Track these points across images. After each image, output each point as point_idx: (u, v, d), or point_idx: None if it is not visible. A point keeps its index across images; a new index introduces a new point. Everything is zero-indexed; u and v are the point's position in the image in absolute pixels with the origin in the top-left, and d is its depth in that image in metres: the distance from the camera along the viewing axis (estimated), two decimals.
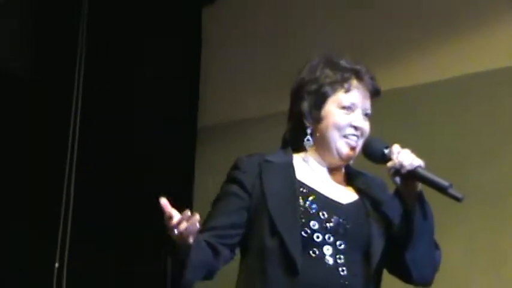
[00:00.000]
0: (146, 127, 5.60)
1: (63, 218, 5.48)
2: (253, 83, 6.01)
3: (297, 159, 2.80)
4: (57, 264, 5.37)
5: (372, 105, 2.81)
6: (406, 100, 5.38)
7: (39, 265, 5.40)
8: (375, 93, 2.80)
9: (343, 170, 2.86)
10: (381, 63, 5.33)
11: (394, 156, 2.62)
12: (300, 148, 2.81)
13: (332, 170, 2.82)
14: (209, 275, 2.65)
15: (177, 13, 6.43)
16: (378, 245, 2.69)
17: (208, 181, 5.29)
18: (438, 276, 4.70)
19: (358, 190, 2.81)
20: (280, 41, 5.65)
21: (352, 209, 2.73)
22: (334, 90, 2.74)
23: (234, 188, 2.69)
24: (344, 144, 2.72)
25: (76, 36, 5.88)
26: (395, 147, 2.65)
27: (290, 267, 2.56)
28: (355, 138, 2.72)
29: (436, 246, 2.74)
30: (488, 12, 5.40)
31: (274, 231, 2.60)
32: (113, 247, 5.75)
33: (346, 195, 2.78)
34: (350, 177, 2.85)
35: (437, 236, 4.33)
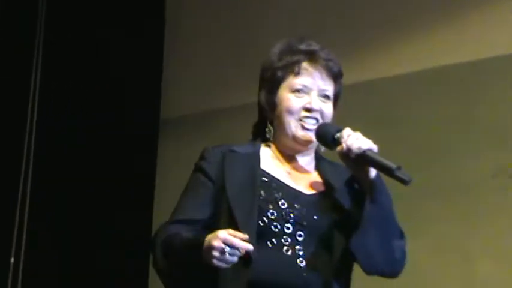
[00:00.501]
0: (107, 121, 5.46)
1: (19, 213, 5.38)
2: (219, 74, 5.89)
3: (265, 149, 2.77)
4: (12, 259, 5.29)
5: (337, 86, 2.76)
6: (370, 94, 5.32)
7: None
8: (335, 75, 2.75)
9: (311, 159, 2.81)
10: (346, 57, 5.38)
11: (343, 140, 2.58)
12: (270, 140, 2.80)
13: (298, 159, 2.79)
14: None
15: (139, 3, 6.32)
16: (339, 238, 2.64)
17: (170, 174, 5.22)
18: (406, 276, 4.80)
19: (325, 180, 2.75)
20: (245, 31, 5.57)
21: (316, 200, 2.68)
22: (286, 75, 2.72)
23: (201, 177, 2.66)
24: (299, 128, 2.68)
25: (34, 30, 5.74)
26: (346, 131, 2.60)
27: (244, 256, 2.47)
28: (312, 121, 2.69)
29: (400, 236, 2.69)
30: (453, 6, 5.32)
31: (231, 221, 2.56)
32: (70, 243, 5.62)
33: (311, 186, 2.73)
34: (319, 167, 2.79)
35: (407, 238, 4.41)
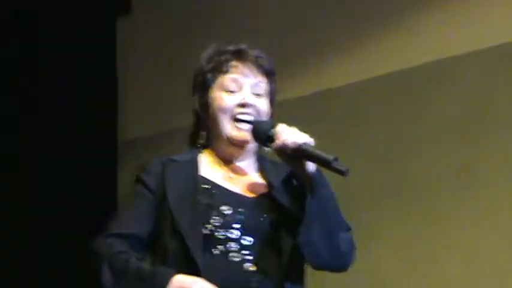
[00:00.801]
0: (65, 148, 5.42)
1: None
2: (173, 93, 5.68)
3: (204, 155, 2.75)
4: None
5: (272, 83, 2.77)
6: (330, 101, 5.30)
7: None
8: (266, 71, 2.75)
9: (252, 161, 2.80)
10: (312, 63, 5.44)
11: (278, 136, 2.57)
12: (208, 145, 2.79)
13: (238, 162, 2.77)
14: None
15: (91, 25, 6.21)
16: (286, 238, 2.63)
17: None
18: (371, 276, 4.62)
19: (267, 181, 2.75)
20: (197, 51, 5.58)
21: (259, 202, 2.67)
22: (216, 75, 2.72)
23: (141, 189, 2.65)
24: (233, 127, 2.68)
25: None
26: (280, 127, 2.59)
27: (192, 267, 2.49)
28: (247, 117, 2.70)
29: (346, 228, 2.68)
30: (409, 9, 5.29)
31: (175, 231, 2.55)
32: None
33: (253, 188, 2.72)
34: (261, 168, 2.79)
35: (371, 239, 4.39)
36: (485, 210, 4.61)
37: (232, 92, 2.70)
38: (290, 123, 2.69)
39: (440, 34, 5.07)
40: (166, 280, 2.44)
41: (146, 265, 2.54)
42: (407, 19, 5.32)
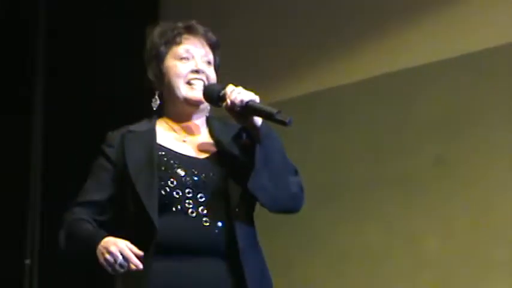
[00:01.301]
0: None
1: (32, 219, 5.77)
2: None
3: (160, 124, 2.95)
4: (28, 261, 5.73)
5: (216, 54, 2.99)
6: (328, 101, 5.63)
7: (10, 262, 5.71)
8: (212, 44, 2.97)
9: (201, 123, 2.99)
10: (302, 66, 5.81)
11: (227, 96, 2.77)
12: (164, 115, 2.99)
13: (190, 125, 2.97)
14: None
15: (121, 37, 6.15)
16: (235, 190, 2.82)
17: None
18: (360, 256, 5.06)
19: (217, 141, 2.95)
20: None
21: (210, 162, 2.86)
22: (169, 47, 2.94)
23: (102, 160, 2.85)
24: (188, 88, 2.88)
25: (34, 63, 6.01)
26: (229, 88, 2.80)
27: (149, 225, 2.69)
28: (199, 82, 2.89)
29: (295, 173, 2.88)
30: (401, 12, 5.59)
31: (135, 195, 2.73)
32: None
33: (204, 150, 2.92)
34: (212, 130, 2.98)
35: (360, 219, 4.98)
36: (457, 195, 4.96)
37: (185, 59, 2.90)
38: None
39: (422, 40, 5.41)
40: (99, 240, 2.60)
41: (92, 229, 2.71)
42: (395, 24, 5.60)
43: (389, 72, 5.47)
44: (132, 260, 2.53)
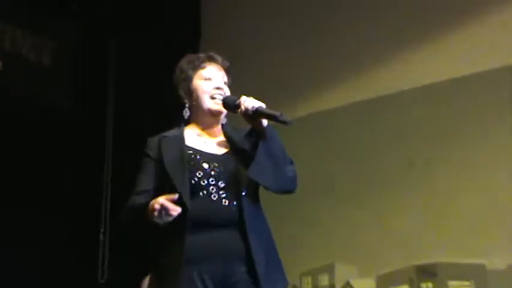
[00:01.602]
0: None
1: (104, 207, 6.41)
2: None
3: (187, 131, 3.32)
4: (102, 235, 6.33)
5: (229, 77, 3.38)
6: (322, 122, 6.26)
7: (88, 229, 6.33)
8: (226, 69, 3.38)
9: (219, 129, 3.35)
10: (300, 90, 6.41)
11: (241, 104, 3.15)
12: (191, 122, 3.35)
13: (210, 132, 3.33)
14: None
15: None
16: (244, 178, 3.16)
17: None
18: (350, 237, 5.60)
19: (231, 141, 3.29)
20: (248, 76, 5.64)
21: (226, 157, 3.24)
22: (195, 71, 3.33)
23: (146, 160, 3.25)
24: (212, 102, 3.28)
25: (106, 80, 6.74)
26: (242, 98, 3.20)
27: (182, 206, 2.98)
28: (220, 96, 3.29)
29: (290, 163, 3.23)
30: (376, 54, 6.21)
31: (172, 185, 3.09)
32: None
33: (221, 148, 3.28)
34: (226, 133, 3.33)
35: (354, 209, 5.52)
36: (423, 189, 5.65)
37: (209, 79, 3.30)
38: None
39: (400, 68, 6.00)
40: (148, 205, 2.98)
41: (143, 204, 3.03)
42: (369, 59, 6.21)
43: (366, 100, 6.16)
44: (170, 209, 2.87)
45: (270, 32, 6.87)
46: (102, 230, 6.36)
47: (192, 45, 6.86)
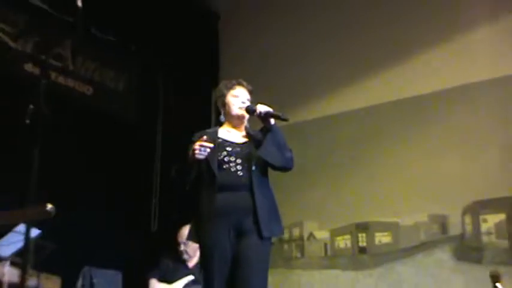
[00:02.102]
0: None
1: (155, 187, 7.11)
2: None
3: (221, 129, 3.90)
4: (154, 201, 7.14)
5: (251, 95, 3.99)
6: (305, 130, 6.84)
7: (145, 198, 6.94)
8: (249, 91, 3.95)
9: (243, 129, 3.92)
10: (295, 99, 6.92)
11: (257, 109, 3.78)
12: (224, 124, 3.96)
13: (236, 129, 3.93)
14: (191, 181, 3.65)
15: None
16: (255, 158, 3.76)
17: None
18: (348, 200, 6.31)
19: (249, 136, 3.88)
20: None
21: (244, 145, 3.80)
22: (228, 91, 3.94)
23: (191, 145, 3.68)
24: (238, 109, 3.91)
25: (158, 102, 7.55)
26: (258, 106, 3.77)
27: (213, 175, 3.63)
28: (243, 105, 3.89)
29: (290, 150, 3.81)
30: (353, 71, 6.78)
31: (207, 161, 3.63)
32: None
33: (242, 139, 3.86)
34: (247, 132, 3.93)
35: (316, 187, 6.45)
36: (363, 173, 6.63)
37: (237, 97, 3.93)
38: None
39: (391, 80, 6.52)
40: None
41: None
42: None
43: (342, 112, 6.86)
44: (206, 145, 3.48)
45: (276, 61, 7.25)
46: (154, 199, 7.24)
47: (213, 76, 7.68)
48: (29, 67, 6.16)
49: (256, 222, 3.63)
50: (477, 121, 5.92)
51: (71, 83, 6.54)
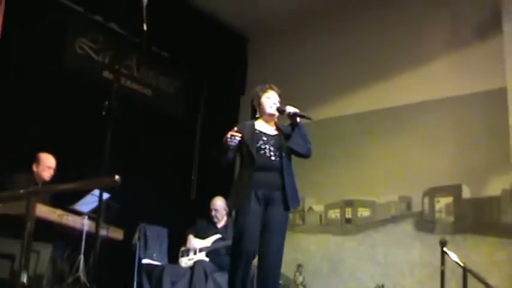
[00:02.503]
0: None
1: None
2: None
3: (257, 121, 3.90)
4: (193, 177, 7.40)
5: (280, 98, 3.95)
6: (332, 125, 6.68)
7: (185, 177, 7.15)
8: (279, 94, 3.95)
9: (274, 124, 3.92)
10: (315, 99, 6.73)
11: (287, 109, 3.81)
12: (258, 118, 3.94)
13: (269, 124, 3.92)
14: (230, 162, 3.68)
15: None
16: (284, 147, 3.77)
17: None
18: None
19: (279, 130, 3.87)
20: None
21: (275, 136, 3.84)
22: (263, 93, 3.93)
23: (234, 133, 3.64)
24: (270, 109, 3.89)
25: (199, 103, 7.74)
26: (287, 106, 3.81)
27: (252, 158, 3.66)
28: (274, 106, 3.88)
29: (309, 142, 3.79)
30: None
31: (247, 146, 3.70)
32: None
33: (274, 131, 3.88)
34: (277, 126, 3.93)
35: (315, 171, 6.18)
36: (355, 160, 6.58)
37: (269, 98, 3.92)
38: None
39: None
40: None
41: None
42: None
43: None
44: (235, 135, 3.58)
45: (291, 73, 7.12)
46: (193, 175, 7.47)
47: (241, 85, 7.70)
48: (105, 74, 6.53)
49: (284, 196, 3.69)
50: (435, 127, 6.13)
51: (135, 86, 6.86)
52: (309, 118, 3.73)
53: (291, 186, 3.73)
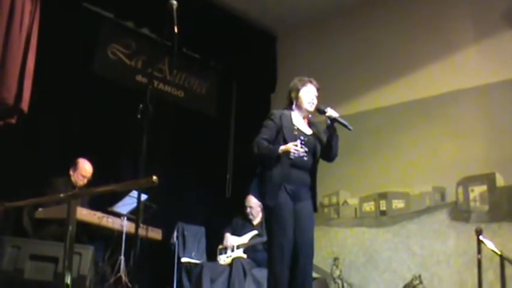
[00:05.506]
0: None
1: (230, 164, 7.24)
2: None
3: (294, 113, 3.83)
4: (228, 176, 7.29)
5: (319, 93, 3.85)
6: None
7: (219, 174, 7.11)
8: (318, 89, 3.84)
9: (307, 120, 3.87)
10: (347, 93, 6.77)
11: (327, 111, 3.70)
12: (294, 110, 3.86)
13: (304, 119, 3.84)
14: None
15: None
16: (318, 148, 3.79)
17: None
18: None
19: (313, 128, 3.80)
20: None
21: (311, 135, 3.75)
22: (302, 86, 3.82)
23: (270, 122, 3.76)
24: (308, 105, 3.79)
25: (231, 102, 7.66)
26: (328, 108, 3.73)
27: (289, 157, 3.65)
28: (312, 102, 3.78)
29: (338, 149, 3.79)
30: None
31: (285, 140, 3.67)
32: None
33: (309, 130, 3.80)
34: (310, 123, 3.83)
35: (348, 164, 6.23)
36: (388, 155, 6.46)
37: (308, 92, 3.80)
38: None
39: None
40: (277, 148, 3.60)
41: (270, 145, 3.63)
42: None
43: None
44: (299, 149, 3.60)
45: (319, 71, 6.50)
46: (228, 173, 7.36)
47: (271, 83, 7.68)
48: (139, 78, 6.55)
49: (312, 193, 3.79)
50: (465, 117, 6.08)
51: (168, 88, 6.85)
52: (349, 129, 3.69)
53: (316, 185, 3.81)
